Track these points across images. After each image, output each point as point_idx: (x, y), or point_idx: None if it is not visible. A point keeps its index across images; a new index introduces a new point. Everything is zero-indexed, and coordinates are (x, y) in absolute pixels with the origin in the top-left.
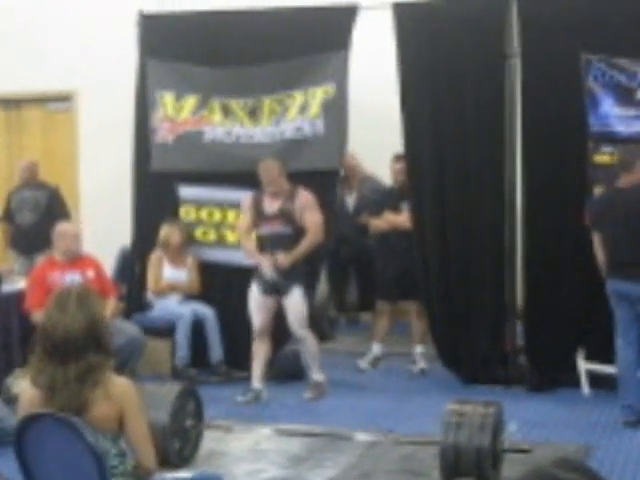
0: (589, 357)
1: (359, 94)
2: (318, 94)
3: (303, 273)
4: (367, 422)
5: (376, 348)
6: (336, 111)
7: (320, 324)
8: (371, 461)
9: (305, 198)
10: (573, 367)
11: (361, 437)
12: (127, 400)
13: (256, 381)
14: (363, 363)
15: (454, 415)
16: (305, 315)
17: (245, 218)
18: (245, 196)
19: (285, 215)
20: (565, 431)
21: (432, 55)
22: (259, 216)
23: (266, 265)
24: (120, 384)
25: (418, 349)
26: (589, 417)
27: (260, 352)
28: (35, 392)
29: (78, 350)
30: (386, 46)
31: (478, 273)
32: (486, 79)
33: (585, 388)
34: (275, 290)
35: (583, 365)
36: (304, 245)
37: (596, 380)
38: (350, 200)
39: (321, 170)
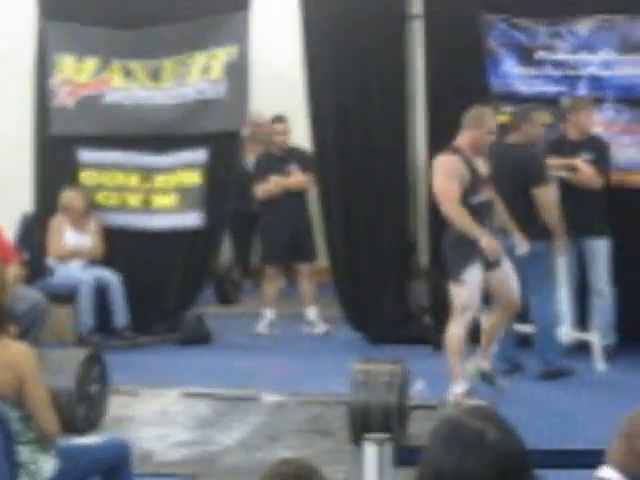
0: None
1: (262, 55)
2: (220, 55)
3: None
4: (274, 384)
5: (269, 313)
6: (238, 73)
7: (224, 287)
8: (279, 422)
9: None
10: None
11: (268, 398)
12: (26, 366)
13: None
14: (259, 328)
15: (361, 374)
16: None
17: (457, 186)
18: (445, 159)
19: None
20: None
21: (335, 17)
22: (475, 181)
23: (491, 244)
24: (18, 350)
25: (312, 311)
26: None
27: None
28: None
29: None
30: (289, 7)
31: (382, 235)
32: (389, 40)
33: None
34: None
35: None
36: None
37: None
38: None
39: (223, 131)
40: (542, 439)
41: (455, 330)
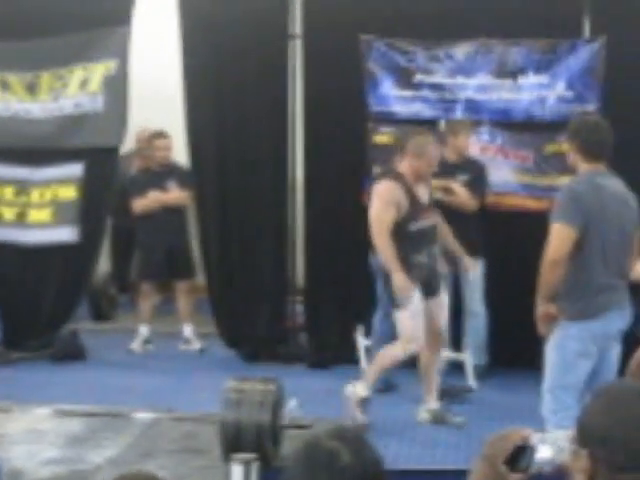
0: (368, 334)
1: (142, 71)
2: (99, 70)
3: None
4: (147, 401)
5: (144, 330)
6: (117, 87)
7: (99, 303)
8: (151, 440)
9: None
10: (352, 344)
11: (141, 416)
12: None
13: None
14: (134, 345)
15: (234, 392)
16: None
17: (389, 215)
18: (385, 184)
19: (433, 206)
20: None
21: (215, 34)
22: (414, 208)
23: (403, 285)
24: None
25: (188, 328)
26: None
27: (432, 362)
28: None
29: None
30: (169, 24)
31: (260, 252)
32: (269, 59)
33: (364, 364)
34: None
35: (362, 341)
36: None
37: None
38: None
39: (100, 146)
40: (410, 458)
41: (394, 352)
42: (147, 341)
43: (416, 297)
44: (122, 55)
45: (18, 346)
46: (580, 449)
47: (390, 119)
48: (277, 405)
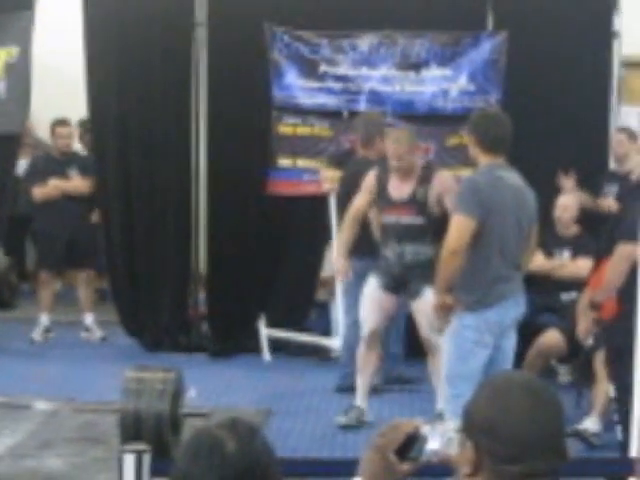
0: (270, 324)
1: (44, 57)
2: (0, 56)
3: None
4: (46, 390)
5: (44, 318)
6: (19, 74)
7: (0, 291)
8: (51, 429)
9: (443, 181)
10: (255, 334)
11: (40, 405)
12: None
13: (360, 398)
14: (35, 334)
15: (133, 382)
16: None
17: (361, 200)
18: (370, 173)
19: (418, 203)
20: (246, 396)
21: (120, 21)
22: (384, 201)
23: (338, 267)
24: None
25: (89, 317)
26: (269, 382)
27: (369, 362)
28: None
29: None
30: (73, 9)
31: (162, 241)
32: (174, 47)
33: (266, 354)
34: (399, 288)
35: (264, 331)
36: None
37: (276, 346)
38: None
39: (1, 133)
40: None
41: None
42: (48, 330)
43: (372, 283)
44: (25, 41)
45: None
46: (466, 440)
47: (294, 109)
48: (177, 394)
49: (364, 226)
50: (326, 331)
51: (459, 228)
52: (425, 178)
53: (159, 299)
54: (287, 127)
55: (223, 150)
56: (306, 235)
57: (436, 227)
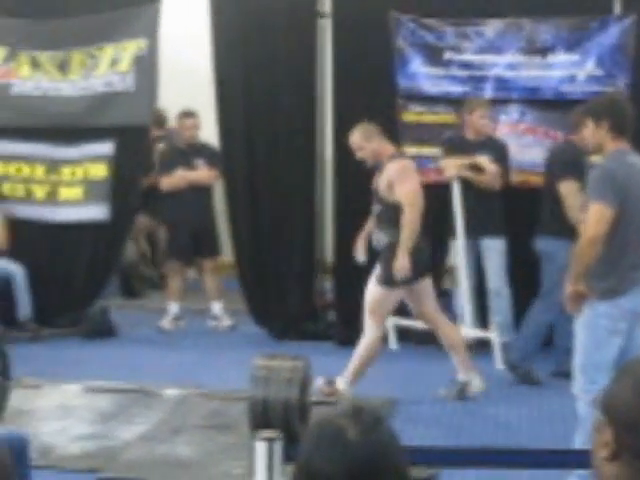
0: (397, 312)
1: (171, 50)
2: (129, 48)
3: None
4: (176, 378)
5: (174, 307)
6: (147, 66)
7: (130, 280)
8: (180, 416)
9: (392, 171)
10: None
11: (170, 393)
12: None
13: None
14: (164, 323)
15: (262, 370)
16: (377, 306)
17: None
18: None
19: (376, 193)
20: (372, 385)
21: (245, 13)
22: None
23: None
24: None
25: (217, 305)
26: (396, 371)
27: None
28: None
29: None
30: (199, 2)
31: (289, 230)
32: (298, 38)
33: (392, 342)
34: None
35: (390, 319)
36: (405, 234)
37: (403, 335)
38: None
39: (130, 125)
40: (444, 437)
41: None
42: (177, 318)
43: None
44: (152, 34)
45: (49, 323)
46: (606, 426)
47: (419, 97)
48: (305, 382)
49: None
50: (451, 319)
51: (597, 217)
52: (381, 169)
53: (286, 288)
54: (412, 115)
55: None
56: (433, 223)
57: (389, 215)
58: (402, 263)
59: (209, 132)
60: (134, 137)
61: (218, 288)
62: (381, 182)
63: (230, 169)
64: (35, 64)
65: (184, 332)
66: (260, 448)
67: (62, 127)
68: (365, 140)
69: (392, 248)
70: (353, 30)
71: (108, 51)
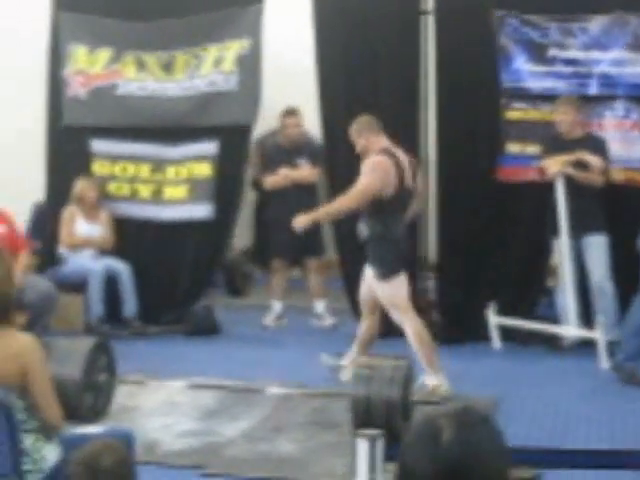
0: (500, 311)
1: (274, 49)
2: (233, 48)
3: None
4: (279, 376)
5: (277, 306)
6: (250, 65)
7: (234, 279)
8: (283, 414)
9: (365, 165)
10: (484, 321)
11: (273, 390)
12: (30, 357)
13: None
14: (267, 320)
15: (365, 368)
16: (393, 300)
17: None
18: None
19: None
20: (475, 384)
21: (347, 11)
22: None
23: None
24: (23, 341)
25: (320, 304)
26: (499, 370)
27: (362, 328)
28: None
29: None
30: (302, 1)
31: None
32: (401, 35)
33: (496, 342)
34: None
35: (494, 319)
36: (333, 205)
37: (507, 334)
38: None
39: (234, 124)
40: (547, 437)
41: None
42: (280, 316)
43: None
44: (255, 33)
45: (154, 320)
46: None
47: (523, 94)
48: (407, 381)
49: None
50: (556, 319)
51: None
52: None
53: None
54: (516, 112)
55: (452, 137)
56: (535, 221)
57: (368, 206)
58: (303, 220)
59: (312, 131)
60: (238, 136)
61: (321, 287)
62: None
63: (332, 167)
64: (140, 65)
65: (287, 330)
66: (362, 446)
67: (167, 127)
68: (356, 134)
69: (373, 240)
70: (456, 27)
71: (212, 51)
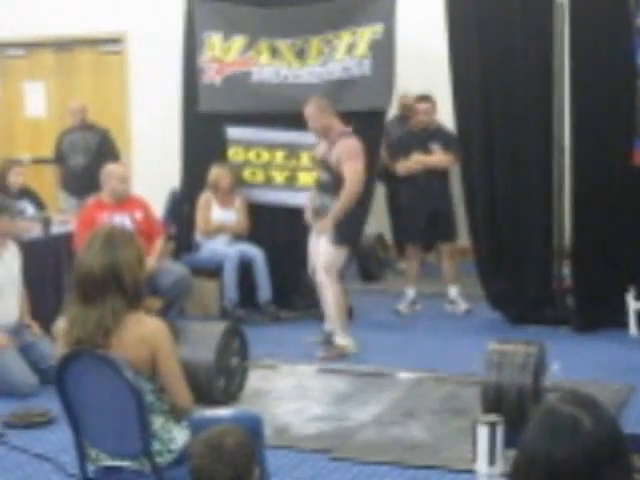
0: (638, 297)
1: (407, 34)
2: (366, 34)
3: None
4: (411, 361)
5: (411, 292)
6: (384, 51)
7: (367, 264)
8: (414, 399)
9: (343, 147)
10: (622, 307)
11: (405, 376)
12: (158, 342)
13: (326, 323)
14: (401, 307)
15: (496, 354)
16: (332, 265)
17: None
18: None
19: (325, 163)
20: (610, 371)
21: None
22: (316, 159)
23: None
24: (152, 325)
25: (453, 290)
26: (635, 358)
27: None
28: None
29: (98, 291)
30: None
31: (526, 212)
32: (535, 19)
33: (633, 329)
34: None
35: (633, 305)
36: (341, 202)
37: None
38: None
39: (368, 109)
40: None
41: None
42: (413, 302)
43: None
44: (389, 19)
45: (288, 306)
46: None
47: None
48: (539, 368)
49: None
50: None
51: None
52: (334, 143)
53: (523, 272)
54: None
55: (587, 121)
56: None
57: (337, 183)
58: (326, 225)
59: (446, 116)
60: (372, 122)
61: (455, 272)
62: (332, 155)
63: (466, 153)
64: (274, 52)
65: (420, 316)
66: (482, 432)
67: (301, 113)
68: (320, 113)
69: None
70: (591, 10)
71: (345, 37)
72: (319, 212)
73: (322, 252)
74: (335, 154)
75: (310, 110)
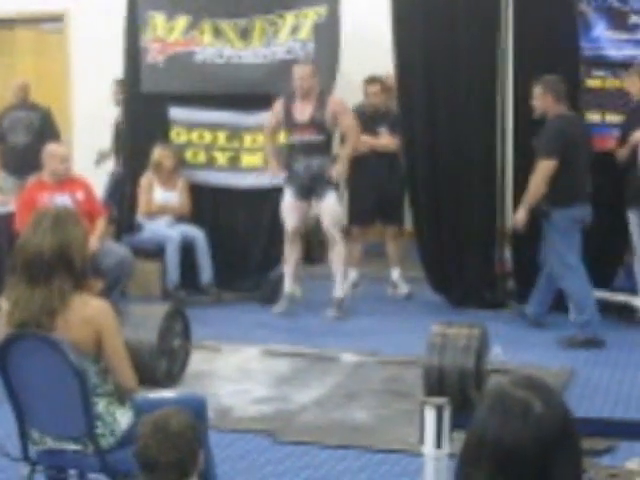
0: None
1: (351, 16)
2: (310, 16)
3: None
4: (353, 344)
5: (352, 273)
6: (327, 33)
7: (310, 247)
8: (356, 381)
9: (337, 103)
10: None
11: (347, 358)
12: (103, 322)
13: (289, 284)
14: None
15: (438, 337)
16: (340, 218)
17: (271, 121)
18: (277, 100)
19: (317, 124)
20: (550, 354)
21: None
22: (289, 123)
23: (272, 170)
24: (97, 306)
25: (395, 272)
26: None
27: (292, 255)
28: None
29: (45, 271)
30: None
31: (468, 196)
32: (479, 2)
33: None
34: (309, 194)
35: None
36: (348, 150)
37: None
38: None
39: None
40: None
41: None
42: (355, 284)
43: (287, 193)
44: (333, 1)
45: (230, 287)
46: None
47: (603, 62)
48: (481, 350)
49: None
50: (633, 291)
51: None
52: (321, 103)
53: (465, 255)
54: (595, 81)
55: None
56: (614, 193)
57: (328, 143)
58: (341, 169)
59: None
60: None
61: (398, 255)
62: (326, 114)
63: (409, 136)
64: (217, 32)
65: (362, 298)
66: (429, 415)
67: (243, 95)
68: (312, 74)
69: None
70: None
71: (289, 19)
72: (316, 176)
73: (329, 211)
74: (330, 111)
75: (306, 70)
